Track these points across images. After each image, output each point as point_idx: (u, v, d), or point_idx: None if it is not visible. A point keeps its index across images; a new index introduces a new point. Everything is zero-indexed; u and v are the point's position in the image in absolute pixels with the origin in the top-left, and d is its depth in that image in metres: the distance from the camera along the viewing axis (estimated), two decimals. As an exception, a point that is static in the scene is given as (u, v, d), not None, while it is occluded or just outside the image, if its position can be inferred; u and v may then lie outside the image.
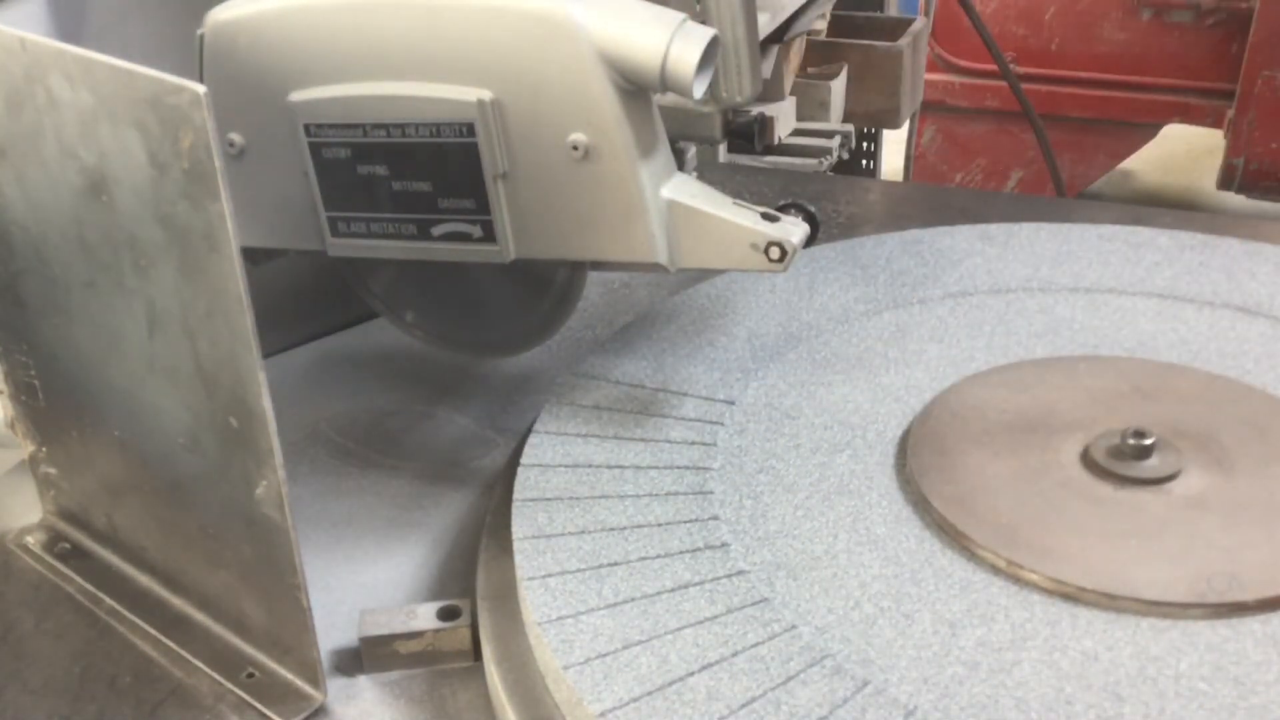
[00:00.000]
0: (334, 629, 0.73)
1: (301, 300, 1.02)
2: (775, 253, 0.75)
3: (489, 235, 0.77)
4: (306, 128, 0.76)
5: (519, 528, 0.73)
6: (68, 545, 0.82)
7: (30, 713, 0.69)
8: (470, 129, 0.73)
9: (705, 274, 1.02)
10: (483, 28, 0.71)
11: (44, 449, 0.81)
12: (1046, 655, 0.63)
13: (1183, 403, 0.82)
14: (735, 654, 0.63)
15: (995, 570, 0.69)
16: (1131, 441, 0.75)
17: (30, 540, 0.83)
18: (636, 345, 0.92)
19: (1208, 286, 0.97)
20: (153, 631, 0.74)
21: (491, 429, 0.93)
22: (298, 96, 0.75)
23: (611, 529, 0.73)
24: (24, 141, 0.66)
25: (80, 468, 0.79)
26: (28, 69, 0.63)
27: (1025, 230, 1.06)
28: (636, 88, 0.72)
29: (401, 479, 0.88)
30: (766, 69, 0.86)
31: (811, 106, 1.25)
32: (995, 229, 1.07)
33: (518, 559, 0.71)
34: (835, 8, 1.17)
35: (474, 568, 0.76)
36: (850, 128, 1.49)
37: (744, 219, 0.75)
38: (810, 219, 0.84)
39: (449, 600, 0.72)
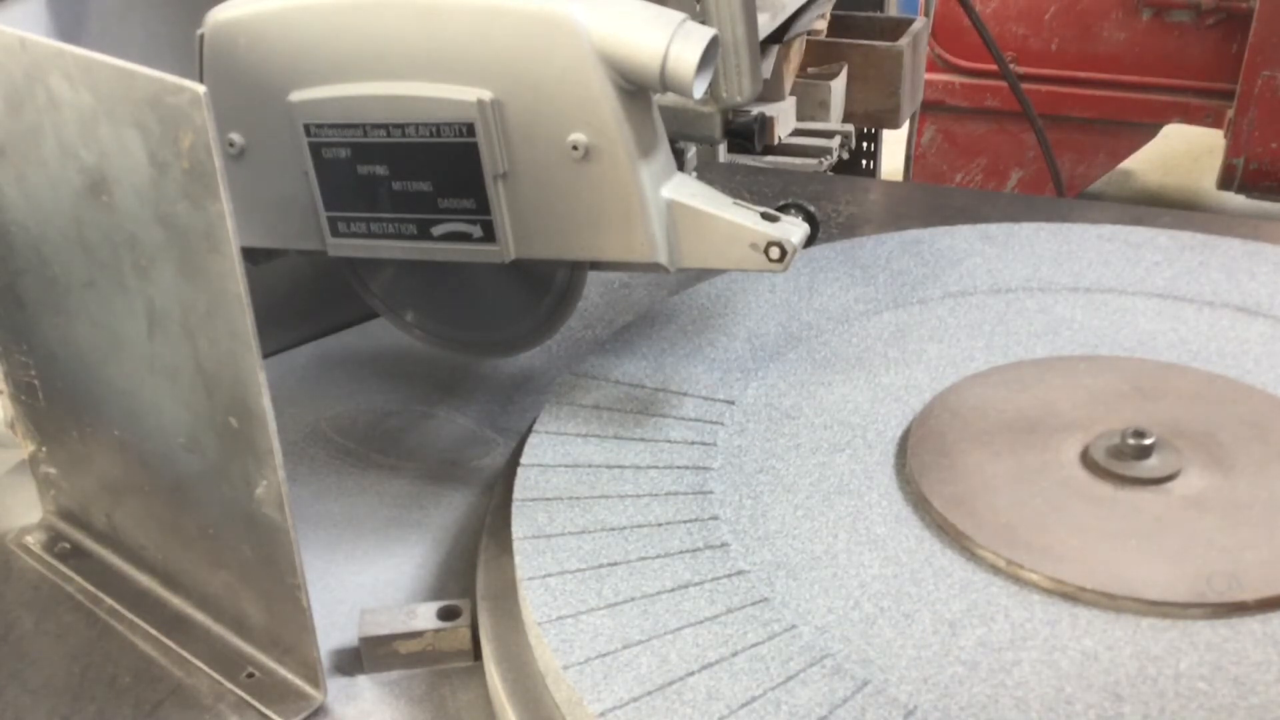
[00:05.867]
0: (334, 629, 0.73)
1: (301, 300, 1.02)
2: (775, 252, 0.75)
3: (489, 235, 0.77)
4: (306, 128, 0.76)
5: (519, 528, 0.73)
6: (68, 545, 0.82)
7: (30, 713, 0.69)
8: (470, 129, 0.73)
9: (705, 274, 1.02)
10: (483, 28, 0.71)
11: (44, 449, 0.81)
12: (1046, 655, 0.63)
13: (1183, 403, 0.82)
14: (735, 654, 0.63)
15: (995, 570, 0.69)
16: (1131, 441, 0.75)
17: (30, 540, 0.83)
18: (636, 345, 0.92)
19: (1208, 286, 0.97)
20: (153, 631, 0.74)
21: (491, 429, 0.93)
22: (298, 96, 0.75)
23: (611, 529, 0.73)
24: (24, 141, 0.66)
25: (80, 468, 0.79)
26: (28, 69, 0.63)
27: (1025, 230, 1.06)
28: (636, 88, 0.72)
29: (401, 479, 0.88)
30: (766, 69, 0.86)
31: (811, 106, 1.26)
32: (995, 229, 1.07)
33: (518, 559, 0.71)
34: (835, 8, 1.17)
35: (474, 568, 0.76)
36: (850, 128, 1.49)
37: (744, 219, 0.75)
38: (810, 219, 0.84)
39: (449, 600, 0.72)
